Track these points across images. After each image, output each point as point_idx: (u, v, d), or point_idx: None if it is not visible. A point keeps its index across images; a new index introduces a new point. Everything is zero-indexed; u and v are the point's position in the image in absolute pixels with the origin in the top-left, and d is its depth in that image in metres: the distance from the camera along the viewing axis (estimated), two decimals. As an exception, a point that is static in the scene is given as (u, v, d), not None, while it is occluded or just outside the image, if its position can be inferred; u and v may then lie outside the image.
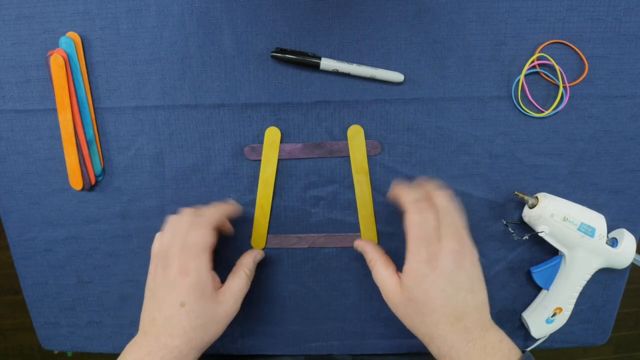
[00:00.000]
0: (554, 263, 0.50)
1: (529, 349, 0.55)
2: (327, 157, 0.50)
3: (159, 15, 0.46)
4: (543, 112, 0.48)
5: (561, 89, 0.47)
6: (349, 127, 0.49)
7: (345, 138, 0.49)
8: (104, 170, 0.50)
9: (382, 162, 0.50)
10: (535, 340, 0.54)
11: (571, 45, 0.46)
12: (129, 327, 0.57)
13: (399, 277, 0.42)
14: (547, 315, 0.51)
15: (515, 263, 0.53)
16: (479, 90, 0.47)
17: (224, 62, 0.47)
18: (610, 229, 0.50)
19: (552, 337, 0.54)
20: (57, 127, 0.48)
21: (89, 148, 0.49)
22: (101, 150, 0.50)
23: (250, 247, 0.52)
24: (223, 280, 0.45)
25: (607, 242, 0.47)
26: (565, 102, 0.47)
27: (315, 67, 0.46)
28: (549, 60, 0.46)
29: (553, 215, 0.46)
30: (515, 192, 0.48)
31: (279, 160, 0.50)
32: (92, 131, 0.49)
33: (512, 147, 0.49)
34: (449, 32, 0.46)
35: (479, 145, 0.49)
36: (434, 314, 0.39)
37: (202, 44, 0.46)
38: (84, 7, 0.46)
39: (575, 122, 0.48)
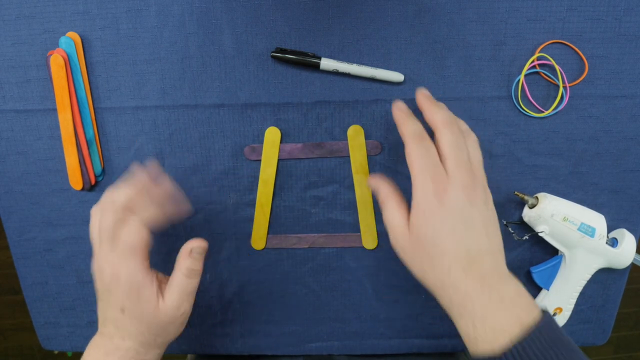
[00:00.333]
0: (554, 263, 0.50)
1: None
2: (327, 157, 0.50)
3: (159, 15, 0.46)
4: (543, 112, 0.48)
5: (561, 89, 0.47)
6: (349, 127, 0.49)
7: (345, 138, 0.49)
8: (104, 170, 0.50)
9: (382, 162, 0.50)
10: (535, 340, 0.54)
11: (571, 45, 0.46)
12: (129, 327, 0.57)
13: (409, 217, 0.38)
14: (547, 315, 0.51)
15: (515, 263, 0.53)
16: (479, 90, 0.47)
17: (224, 62, 0.47)
18: (610, 229, 0.50)
19: (552, 337, 0.54)
20: (57, 127, 0.48)
21: (89, 148, 0.49)
22: (101, 150, 0.50)
23: (250, 247, 0.53)
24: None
25: (607, 242, 0.47)
26: (565, 102, 0.47)
27: (315, 67, 0.46)
28: (549, 60, 0.46)
29: (553, 215, 0.46)
30: (515, 192, 0.48)
31: (279, 160, 0.50)
32: (92, 131, 0.49)
33: (512, 147, 0.49)
34: (449, 32, 0.46)
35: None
36: (445, 256, 0.36)
37: (202, 44, 0.46)
38: (84, 7, 0.46)
39: (575, 122, 0.48)
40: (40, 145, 0.50)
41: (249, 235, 0.52)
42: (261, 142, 0.49)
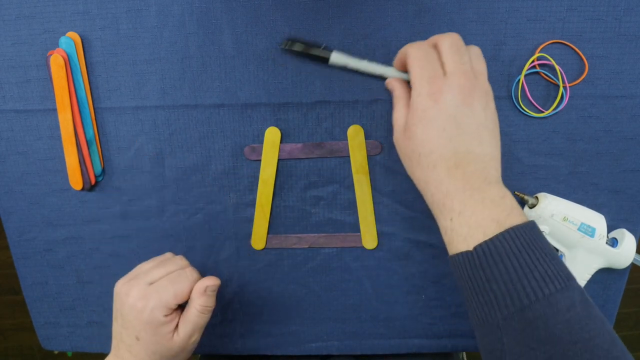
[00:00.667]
0: (554, 263, 0.50)
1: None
2: (327, 157, 0.50)
3: (159, 15, 0.46)
4: (543, 112, 0.48)
5: (561, 89, 0.47)
6: (349, 127, 0.49)
7: (345, 138, 0.49)
8: (104, 170, 0.50)
9: (382, 162, 0.50)
10: (535, 340, 0.54)
11: (571, 45, 0.46)
12: (129, 327, 0.57)
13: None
14: (547, 315, 0.51)
15: (515, 263, 0.53)
16: (479, 90, 0.47)
17: (224, 62, 0.47)
18: (610, 229, 0.50)
19: (552, 337, 0.54)
20: (57, 127, 0.48)
21: (89, 148, 0.49)
22: (101, 150, 0.50)
23: (250, 247, 0.53)
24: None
25: (607, 242, 0.47)
26: (565, 102, 0.47)
27: (324, 61, 0.45)
28: (549, 60, 0.46)
29: (553, 215, 0.46)
30: (515, 192, 0.48)
31: (279, 160, 0.50)
32: (92, 131, 0.49)
33: (512, 147, 0.49)
34: (449, 32, 0.46)
35: (479, 145, 0.49)
36: (432, 154, 0.36)
37: (202, 44, 0.46)
38: (84, 7, 0.46)
39: (575, 122, 0.48)
40: (40, 145, 0.50)
41: (249, 235, 0.52)
42: (261, 142, 0.49)
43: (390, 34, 0.46)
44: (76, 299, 0.56)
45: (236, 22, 0.46)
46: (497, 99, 0.47)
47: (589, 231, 0.46)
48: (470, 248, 0.34)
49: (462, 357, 0.76)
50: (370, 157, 0.49)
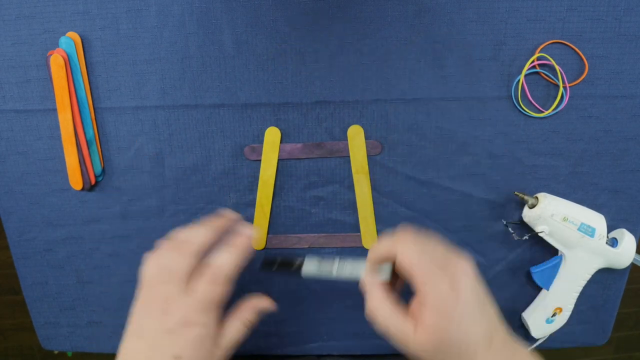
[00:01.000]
0: (554, 263, 0.50)
1: (528, 349, 0.55)
2: (327, 157, 0.50)
3: (159, 15, 0.46)
4: (543, 112, 0.48)
5: (561, 89, 0.47)
6: (349, 127, 0.49)
7: (345, 138, 0.49)
8: (104, 170, 0.50)
9: (382, 162, 0.50)
10: (535, 340, 0.54)
11: (571, 45, 0.46)
12: (129, 327, 0.57)
13: (412, 317, 0.34)
14: (547, 315, 0.51)
15: (515, 263, 0.53)
16: (479, 90, 0.47)
17: (224, 62, 0.47)
18: (610, 229, 0.50)
19: (552, 337, 0.54)
20: (57, 127, 0.48)
21: (89, 148, 0.49)
22: (101, 150, 0.50)
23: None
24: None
25: (607, 242, 0.47)
26: (565, 102, 0.47)
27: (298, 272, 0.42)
28: (549, 60, 0.46)
29: (553, 215, 0.46)
30: (515, 192, 0.48)
31: (279, 160, 0.50)
32: (92, 131, 0.49)
33: (512, 147, 0.49)
34: (449, 32, 0.46)
35: (479, 145, 0.49)
36: (470, 346, 0.33)
37: (202, 44, 0.46)
38: (84, 7, 0.46)
39: (575, 122, 0.48)
40: (40, 145, 0.50)
41: (249, 235, 0.52)
42: (261, 142, 0.49)
43: (390, 34, 0.46)
44: (76, 299, 0.56)
45: (236, 22, 0.46)
46: (497, 99, 0.48)
47: (589, 231, 0.46)
48: None
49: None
50: (370, 157, 0.49)
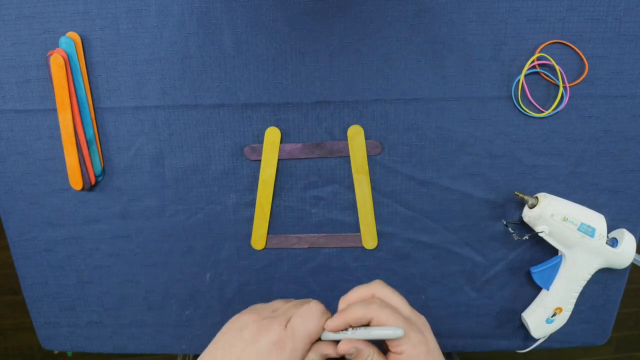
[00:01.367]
0: (554, 263, 0.50)
1: (528, 349, 0.55)
2: (327, 157, 0.50)
3: (159, 15, 0.46)
4: (543, 112, 0.48)
5: (561, 89, 0.47)
6: (349, 127, 0.49)
7: (345, 138, 0.49)
8: (104, 170, 0.50)
9: (382, 162, 0.50)
10: (535, 340, 0.54)
11: (571, 45, 0.46)
12: (129, 327, 0.57)
13: None
14: (547, 315, 0.51)
15: (515, 263, 0.53)
16: (479, 90, 0.47)
17: (224, 62, 0.47)
18: (610, 229, 0.50)
19: (552, 337, 0.54)
20: (57, 127, 0.48)
21: (89, 148, 0.49)
22: (101, 150, 0.50)
23: (250, 247, 0.53)
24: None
25: (607, 242, 0.47)
26: (565, 102, 0.47)
27: None
28: (549, 60, 0.46)
29: (553, 215, 0.46)
30: (515, 192, 0.48)
31: (279, 160, 0.50)
32: (92, 131, 0.49)
33: (512, 147, 0.49)
34: (449, 32, 0.46)
35: (479, 145, 0.49)
36: None
37: (202, 44, 0.46)
38: (84, 7, 0.46)
39: (575, 122, 0.48)
40: (40, 145, 0.50)
41: (249, 235, 0.52)
42: (261, 142, 0.49)
43: (390, 34, 0.46)
44: (76, 299, 0.56)
45: (236, 22, 0.46)
46: (497, 99, 0.48)
47: (589, 231, 0.46)
48: None
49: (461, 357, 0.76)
50: (370, 157, 0.49)
